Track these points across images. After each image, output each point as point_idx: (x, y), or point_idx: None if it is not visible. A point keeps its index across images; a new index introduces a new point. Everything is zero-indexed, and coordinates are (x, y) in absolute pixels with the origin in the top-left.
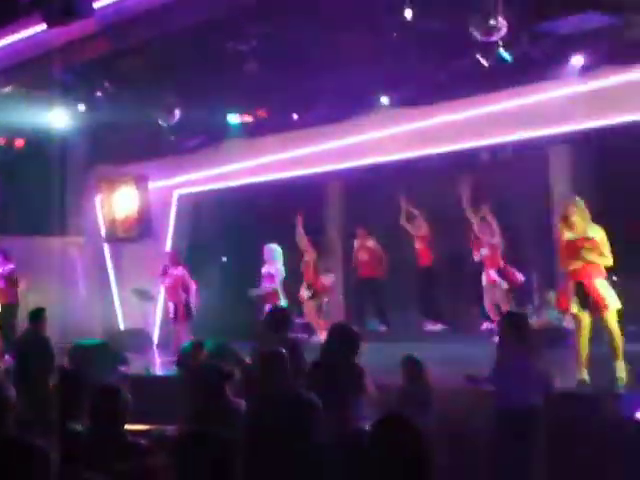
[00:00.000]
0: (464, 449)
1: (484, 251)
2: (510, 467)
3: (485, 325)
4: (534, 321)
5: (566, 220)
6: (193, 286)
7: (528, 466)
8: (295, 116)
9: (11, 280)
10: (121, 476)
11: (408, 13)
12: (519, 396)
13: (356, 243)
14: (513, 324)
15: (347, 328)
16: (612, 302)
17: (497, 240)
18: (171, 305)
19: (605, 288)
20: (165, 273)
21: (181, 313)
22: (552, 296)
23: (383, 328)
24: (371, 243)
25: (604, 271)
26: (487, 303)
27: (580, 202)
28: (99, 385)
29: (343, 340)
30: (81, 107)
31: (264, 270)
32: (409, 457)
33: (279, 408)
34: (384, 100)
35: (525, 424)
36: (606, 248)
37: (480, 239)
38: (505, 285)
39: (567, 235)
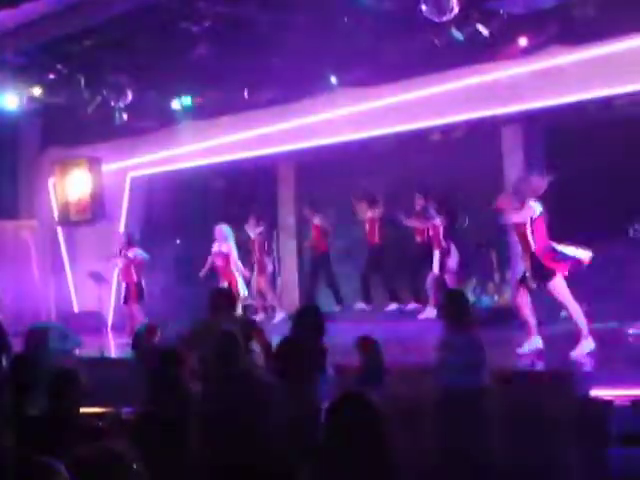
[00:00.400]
0: (415, 428)
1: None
2: (457, 447)
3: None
4: (495, 300)
5: None
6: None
7: (475, 446)
8: (247, 97)
9: None
10: (78, 460)
11: None
12: (462, 375)
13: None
14: (453, 301)
15: (314, 309)
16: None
17: (438, 221)
18: (123, 285)
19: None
20: (120, 254)
21: (133, 294)
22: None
23: (337, 308)
24: (317, 220)
25: None
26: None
27: None
28: (55, 368)
29: (310, 321)
30: (33, 89)
31: (215, 249)
32: (368, 433)
33: (234, 389)
34: (335, 80)
35: (468, 403)
36: None
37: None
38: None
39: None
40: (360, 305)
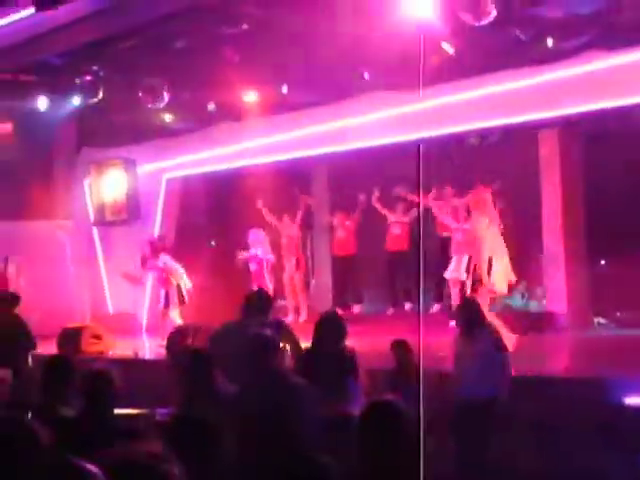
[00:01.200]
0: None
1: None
2: (472, 455)
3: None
4: (543, 305)
5: None
6: (180, 270)
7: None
8: (283, 99)
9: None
10: (113, 462)
11: None
12: (479, 384)
13: (335, 222)
14: (469, 310)
15: (333, 316)
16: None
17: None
18: (162, 292)
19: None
20: (144, 263)
21: (174, 299)
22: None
23: (357, 308)
24: (349, 222)
25: None
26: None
27: None
28: (89, 369)
29: (331, 328)
30: (69, 91)
31: (249, 252)
32: (399, 441)
33: (267, 391)
34: (370, 83)
35: (485, 413)
36: None
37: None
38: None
39: None
40: (408, 305)
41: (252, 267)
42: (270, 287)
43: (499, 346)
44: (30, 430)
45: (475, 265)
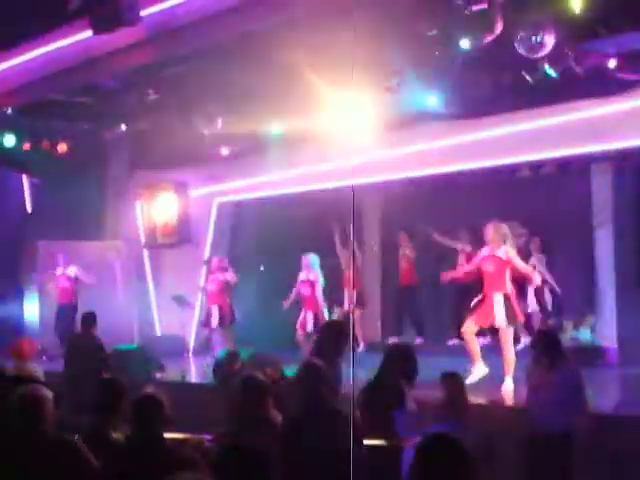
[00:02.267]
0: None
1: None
2: None
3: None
4: (594, 337)
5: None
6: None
7: None
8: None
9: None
10: None
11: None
12: (554, 420)
13: (400, 251)
14: (548, 342)
15: (407, 350)
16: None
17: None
18: (214, 309)
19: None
20: (209, 278)
21: (225, 317)
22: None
23: (419, 340)
24: (409, 251)
25: None
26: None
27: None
28: (140, 393)
29: (401, 362)
30: (124, 113)
31: (302, 277)
32: (457, 476)
33: (317, 423)
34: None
35: (559, 450)
36: None
37: None
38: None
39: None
40: (453, 340)
41: (305, 291)
42: (325, 312)
43: (580, 379)
44: (80, 453)
45: None
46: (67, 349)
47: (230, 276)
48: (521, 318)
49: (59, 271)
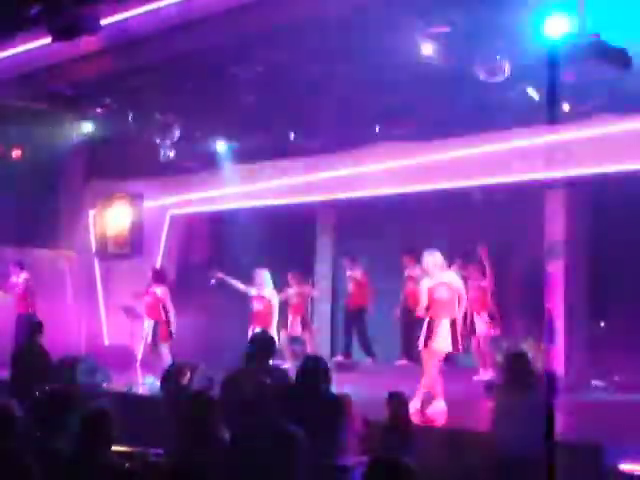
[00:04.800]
0: None
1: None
2: None
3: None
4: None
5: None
6: (172, 308)
7: None
8: (291, 144)
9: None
10: None
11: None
12: (522, 443)
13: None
14: (516, 365)
15: (318, 359)
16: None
17: (487, 283)
18: (151, 323)
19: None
20: (147, 292)
21: (162, 333)
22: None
23: (369, 360)
24: (357, 273)
25: None
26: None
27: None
28: (87, 405)
29: (314, 371)
30: (81, 122)
31: (254, 292)
32: None
33: (262, 440)
34: (380, 134)
35: (526, 473)
36: None
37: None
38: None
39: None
40: (401, 361)
41: (257, 307)
42: (275, 329)
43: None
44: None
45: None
46: (12, 358)
47: (162, 291)
48: (460, 347)
49: (14, 279)
